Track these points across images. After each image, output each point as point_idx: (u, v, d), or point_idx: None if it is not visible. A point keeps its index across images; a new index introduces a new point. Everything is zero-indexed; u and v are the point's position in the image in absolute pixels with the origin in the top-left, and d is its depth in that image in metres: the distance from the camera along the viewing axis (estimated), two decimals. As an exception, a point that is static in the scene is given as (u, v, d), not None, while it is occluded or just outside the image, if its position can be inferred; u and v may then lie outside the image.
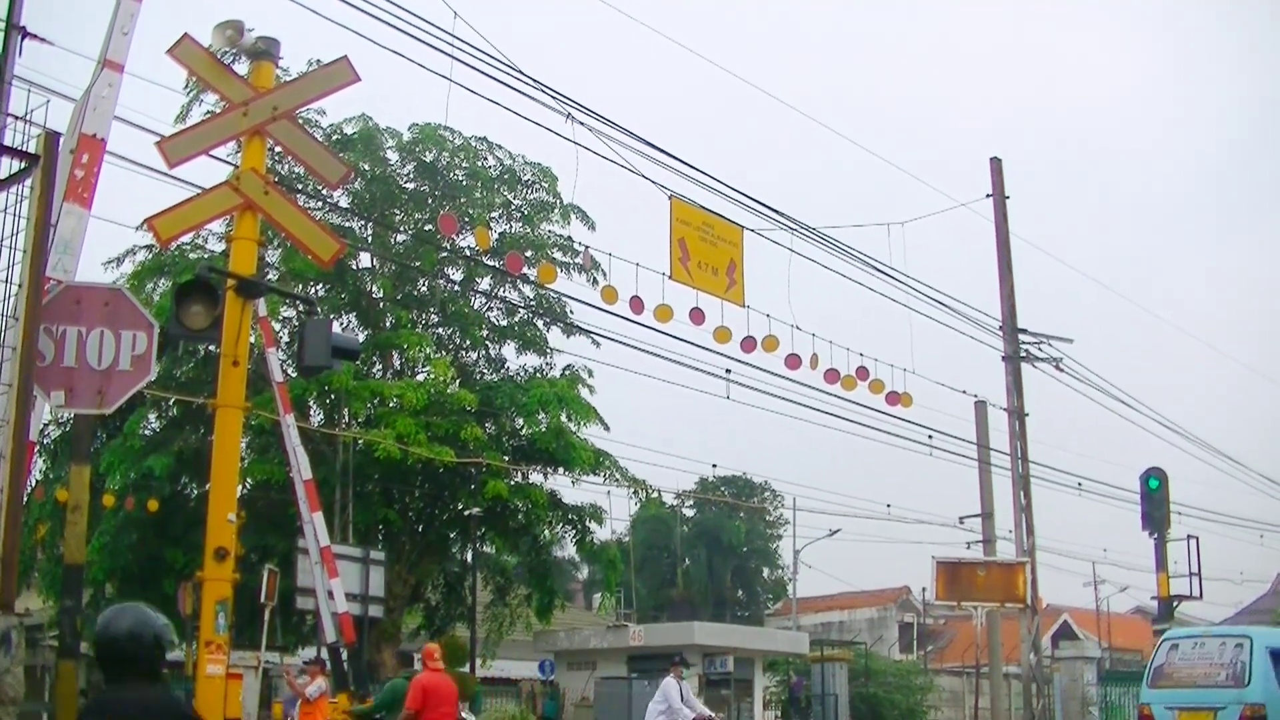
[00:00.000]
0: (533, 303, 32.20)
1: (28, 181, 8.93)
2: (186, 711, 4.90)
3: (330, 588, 20.72)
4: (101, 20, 10.56)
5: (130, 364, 9.86)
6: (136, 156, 12.65)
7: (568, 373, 31.83)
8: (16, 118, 9.22)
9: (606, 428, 31.05)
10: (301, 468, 16.34)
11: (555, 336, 32.33)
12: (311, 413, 29.62)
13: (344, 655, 22.58)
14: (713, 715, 19.78)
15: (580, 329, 29.57)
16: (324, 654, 23.48)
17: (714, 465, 51.56)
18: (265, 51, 11.87)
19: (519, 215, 32.29)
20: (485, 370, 32.92)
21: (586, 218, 31.79)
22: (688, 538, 62.47)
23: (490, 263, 30.11)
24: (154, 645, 4.64)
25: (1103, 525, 64.89)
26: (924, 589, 43.59)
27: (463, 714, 17.38)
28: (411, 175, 31.44)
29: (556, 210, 32.24)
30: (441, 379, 28.47)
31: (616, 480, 31.42)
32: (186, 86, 26.85)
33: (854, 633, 54.91)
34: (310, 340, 12.04)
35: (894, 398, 20.24)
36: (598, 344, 29.59)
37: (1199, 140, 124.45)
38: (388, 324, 30.26)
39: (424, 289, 31.91)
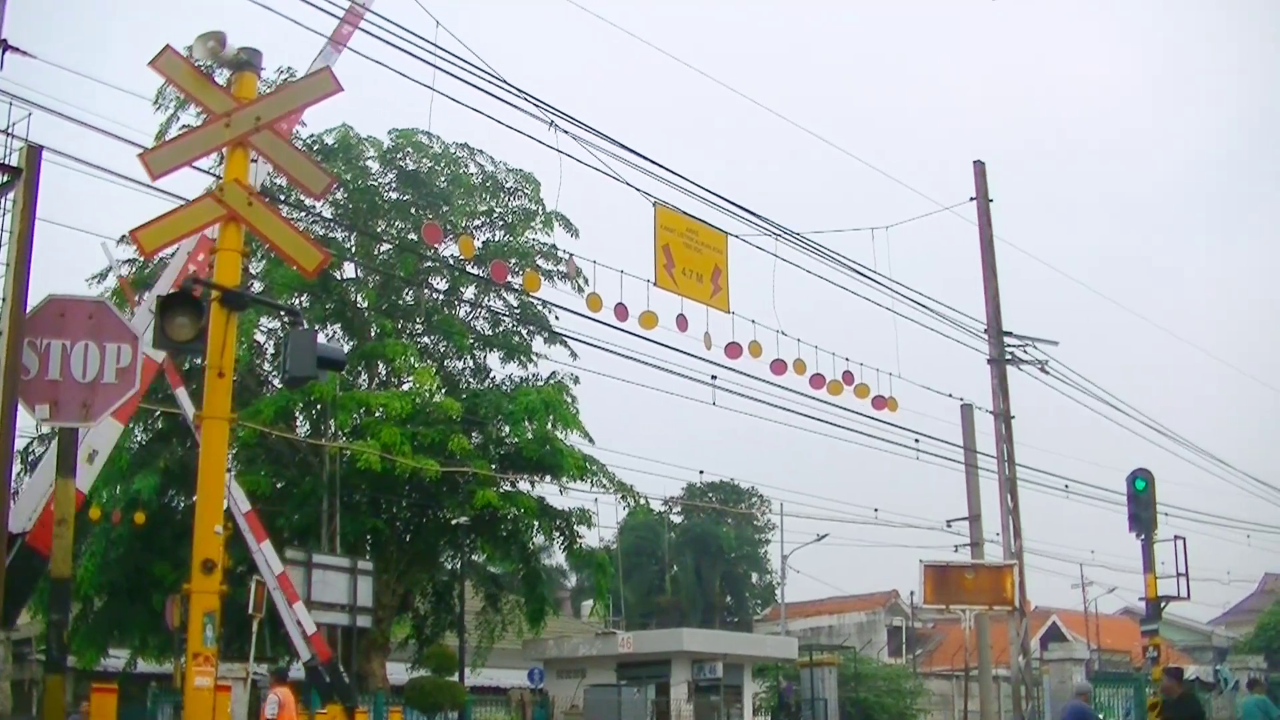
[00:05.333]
0: (517, 311, 32.12)
1: (10, 196, 8.92)
2: None
3: (295, 613, 20.60)
4: (83, 34, 10.52)
5: (115, 376, 9.86)
6: (118, 169, 12.61)
7: (554, 380, 31.81)
8: (-2, 131, 9.21)
9: (591, 440, 31.04)
10: (239, 501, 16.19)
11: (540, 344, 32.31)
12: (298, 424, 29.53)
13: (323, 671, 22.57)
14: None
15: (560, 337, 29.51)
16: (291, 666, 23.44)
17: (701, 471, 51.74)
18: (247, 62, 11.84)
19: (502, 223, 32.22)
20: (471, 379, 32.85)
21: (570, 225, 31.72)
22: (675, 544, 62.47)
23: (475, 271, 30.04)
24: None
25: (1090, 527, 64.90)
26: (912, 592, 43.51)
27: None
28: (393, 184, 31.36)
29: (539, 218, 32.18)
30: (427, 388, 28.36)
31: (604, 487, 31.37)
32: (156, 102, 26.90)
33: (843, 637, 54.90)
34: (296, 351, 11.99)
35: (880, 402, 20.29)
36: (575, 355, 29.63)
37: (1186, 142, 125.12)
38: (373, 334, 30.18)
39: (409, 298, 31.84)
